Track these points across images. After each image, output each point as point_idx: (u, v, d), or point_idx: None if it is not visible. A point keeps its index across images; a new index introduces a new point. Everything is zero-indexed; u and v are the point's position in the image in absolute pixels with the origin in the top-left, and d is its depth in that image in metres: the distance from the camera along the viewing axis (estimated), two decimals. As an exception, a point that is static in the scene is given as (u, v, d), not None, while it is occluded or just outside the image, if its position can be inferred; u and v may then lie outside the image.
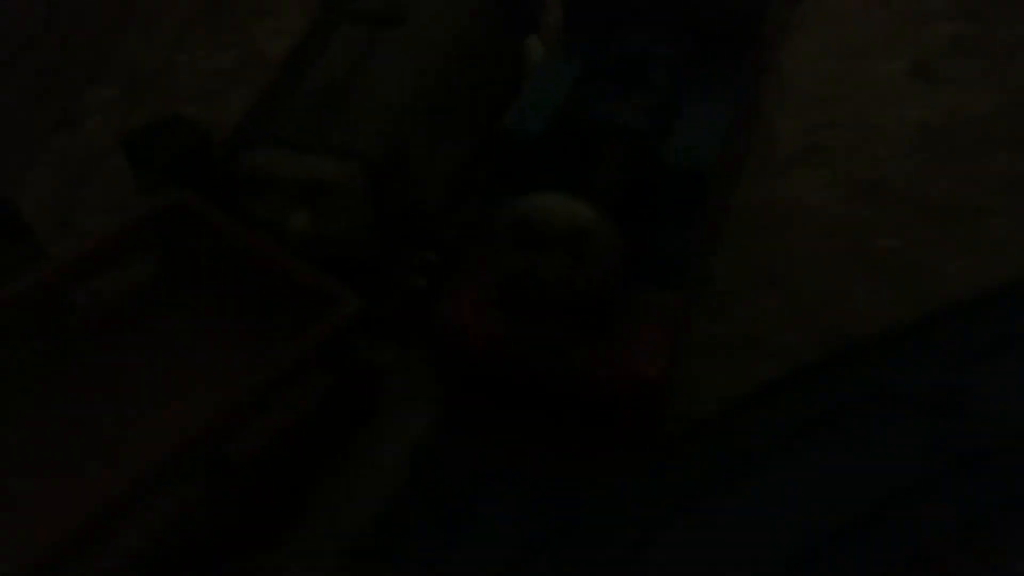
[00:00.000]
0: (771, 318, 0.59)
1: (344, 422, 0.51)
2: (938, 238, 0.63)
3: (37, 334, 0.50)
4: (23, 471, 0.46)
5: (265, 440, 0.45)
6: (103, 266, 0.50)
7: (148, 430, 0.46)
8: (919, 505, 0.48)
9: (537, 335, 0.49)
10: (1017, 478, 0.49)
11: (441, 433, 0.53)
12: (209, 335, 0.51)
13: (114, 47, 0.84)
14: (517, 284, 0.47)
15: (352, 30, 0.54)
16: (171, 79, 0.81)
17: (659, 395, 0.48)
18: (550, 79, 0.55)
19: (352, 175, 0.48)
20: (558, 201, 0.44)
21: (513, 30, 0.66)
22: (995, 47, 0.77)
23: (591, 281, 0.45)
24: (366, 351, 0.52)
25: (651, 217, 0.50)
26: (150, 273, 0.54)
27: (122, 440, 0.46)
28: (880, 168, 0.69)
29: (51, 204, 0.70)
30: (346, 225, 0.49)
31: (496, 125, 0.53)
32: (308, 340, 0.44)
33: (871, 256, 0.62)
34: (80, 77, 0.81)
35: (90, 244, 0.49)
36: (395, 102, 0.51)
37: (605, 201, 0.47)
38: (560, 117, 0.51)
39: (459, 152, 0.57)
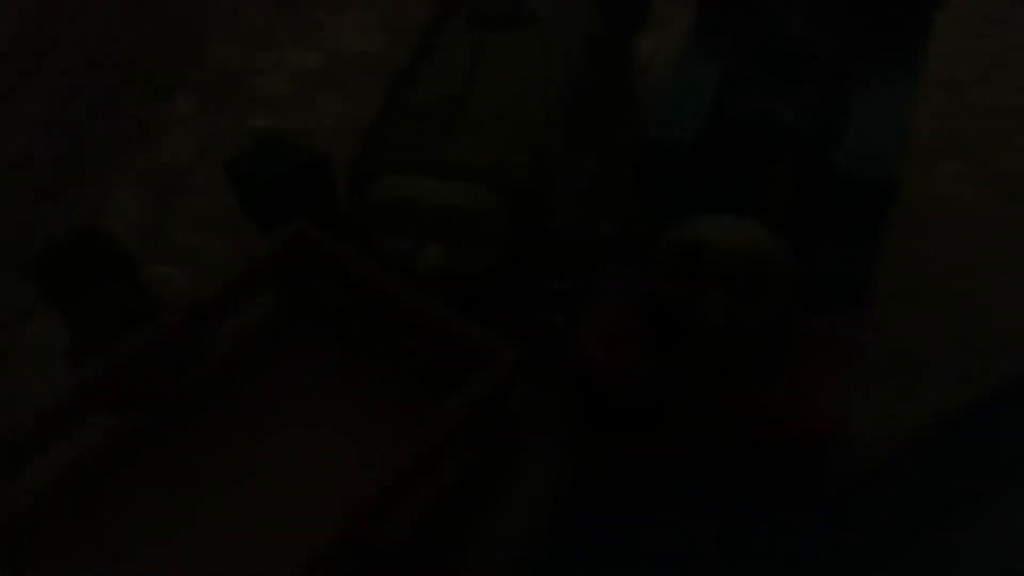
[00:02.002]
0: (933, 335, 0.54)
1: (489, 476, 0.46)
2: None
3: (159, 389, 0.46)
4: (152, 545, 0.42)
5: (416, 518, 0.40)
6: (226, 310, 0.45)
7: (291, 505, 0.41)
8: None
9: (690, 372, 0.44)
10: None
11: (581, 475, 0.48)
12: (341, 388, 0.46)
13: (190, 55, 0.80)
14: (677, 320, 0.42)
15: (473, 33, 0.49)
16: (251, 84, 0.76)
17: (836, 439, 0.43)
18: (691, 80, 0.49)
19: (496, 203, 0.43)
20: (736, 227, 0.39)
21: (622, 29, 0.60)
22: None
23: (765, 318, 0.40)
24: (515, 402, 0.47)
25: (818, 232, 0.44)
26: (265, 315, 0.49)
27: (260, 515, 0.41)
28: (1030, 160, 0.63)
29: (138, 222, 0.66)
30: (485, 258, 0.44)
31: (626, 136, 0.47)
32: (461, 403, 0.39)
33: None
34: (157, 87, 0.77)
35: (215, 288, 0.44)
36: (534, 117, 0.46)
37: (775, 221, 0.41)
38: (711, 123, 0.46)
39: (591, 170, 0.52)
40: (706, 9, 0.52)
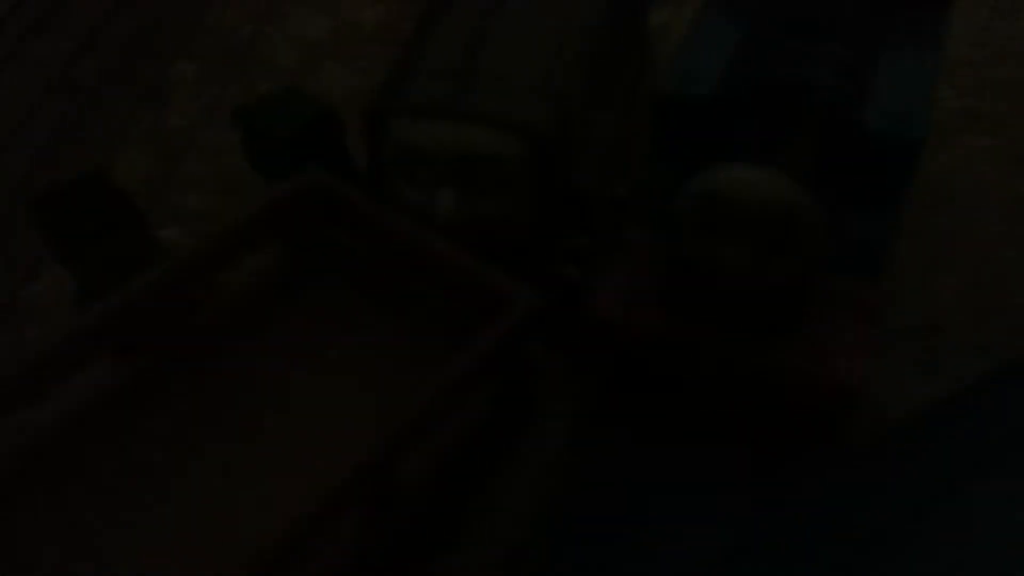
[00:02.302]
0: (952, 306, 0.53)
1: (506, 427, 0.45)
2: None
3: (164, 332, 0.45)
4: (170, 494, 0.40)
5: (435, 458, 0.39)
6: (232, 257, 0.44)
7: (311, 445, 0.40)
8: None
9: (710, 331, 0.43)
10: None
11: (597, 435, 0.47)
12: (354, 333, 0.45)
13: (199, 18, 0.79)
14: (698, 275, 0.40)
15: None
16: (259, 50, 0.75)
17: (856, 400, 0.42)
18: (711, 36, 0.48)
19: (515, 148, 0.42)
20: (759, 176, 0.37)
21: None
22: None
23: (791, 273, 0.39)
24: (535, 352, 0.45)
25: (841, 195, 0.43)
26: (276, 263, 0.48)
27: (281, 457, 0.40)
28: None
29: (145, 181, 0.65)
30: (503, 205, 0.43)
31: (641, 98, 0.46)
32: (480, 345, 0.38)
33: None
34: (166, 50, 0.76)
35: (221, 233, 0.43)
36: (555, 64, 0.45)
37: (801, 177, 0.40)
38: (731, 78, 0.45)
39: (608, 128, 0.51)
40: None
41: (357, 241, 0.45)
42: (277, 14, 0.78)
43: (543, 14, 0.48)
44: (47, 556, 0.37)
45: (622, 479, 0.44)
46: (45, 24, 0.79)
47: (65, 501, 0.39)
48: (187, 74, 0.73)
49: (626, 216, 0.49)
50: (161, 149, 0.67)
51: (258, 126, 0.48)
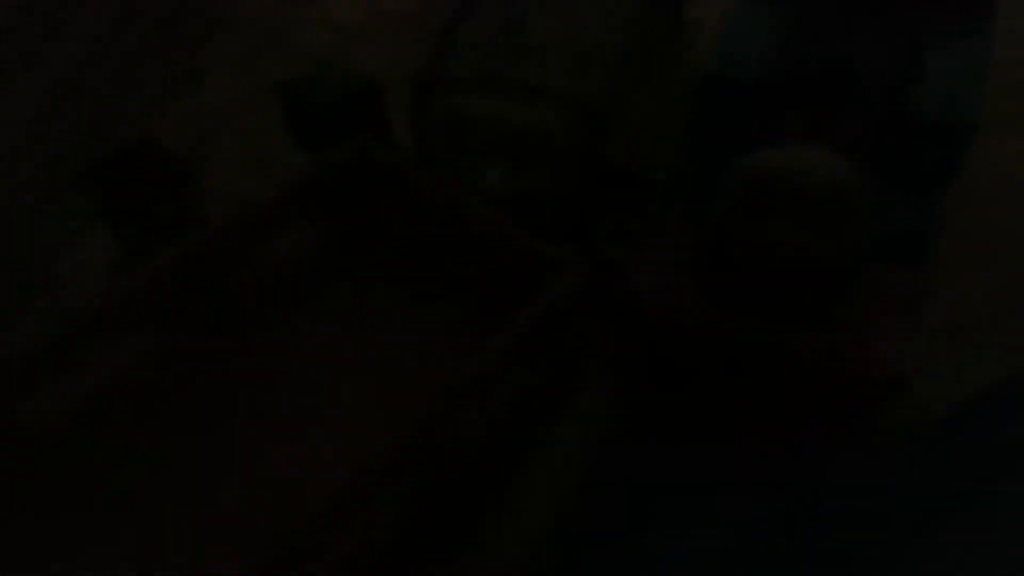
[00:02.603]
0: (989, 303, 0.53)
1: (549, 397, 0.44)
2: None
3: (205, 303, 0.45)
4: (213, 457, 0.40)
5: (484, 426, 0.39)
6: (275, 228, 0.44)
7: (359, 414, 0.40)
8: None
9: (751, 315, 0.42)
10: None
11: (631, 421, 0.47)
12: (400, 305, 0.44)
13: (233, 2, 0.79)
14: (742, 259, 0.40)
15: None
16: (293, 34, 0.76)
17: (897, 391, 0.42)
18: (754, 19, 0.48)
19: (562, 120, 0.42)
20: (813, 158, 0.37)
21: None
22: None
23: (839, 257, 0.39)
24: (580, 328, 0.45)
25: (890, 180, 0.43)
26: (321, 235, 0.48)
27: (328, 428, 0.40)
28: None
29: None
30: (549, 179, 0.43)
31: (676, 82, 0.46)
32: (531, 311, 0.37)
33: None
34: (201, 32, 0.76)
35: (264, 203, 0.43)
36: (603, 42, 0.45)
37: (851, 160, 0.40)
38: (775, 62, 0.45)
39: (648, 106, 0.51)
40: None
41: (402, 212, 0.45)
42: (310, 1, 0.78)
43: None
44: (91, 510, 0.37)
45: (622, 479, 0.44)
46: (82, 2, 0.79)
47: (105, 466, 0.39)
48: (221, 57, 0.73)
49: (665, 197, 0.49)
50: (197, 129, 0.67)
51: (301, 98, 0.48)
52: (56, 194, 0.59)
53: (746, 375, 0.45)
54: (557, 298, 0.38)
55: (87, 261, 0.54)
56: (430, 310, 0.43)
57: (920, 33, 0.45)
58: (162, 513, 0.37)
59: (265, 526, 0.35)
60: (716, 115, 0.46)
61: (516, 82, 0.42)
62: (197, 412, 0.41)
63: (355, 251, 0.47)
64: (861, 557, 0.41)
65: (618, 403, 0.47)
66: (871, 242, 0.41)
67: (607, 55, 0.45)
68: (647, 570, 0.40)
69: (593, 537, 0.42)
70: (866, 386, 0.42)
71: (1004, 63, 0.67)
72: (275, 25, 0.76)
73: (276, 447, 0.39)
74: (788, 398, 0.45)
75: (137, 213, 0.43)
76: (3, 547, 0.36)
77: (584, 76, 0.43)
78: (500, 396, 0.40)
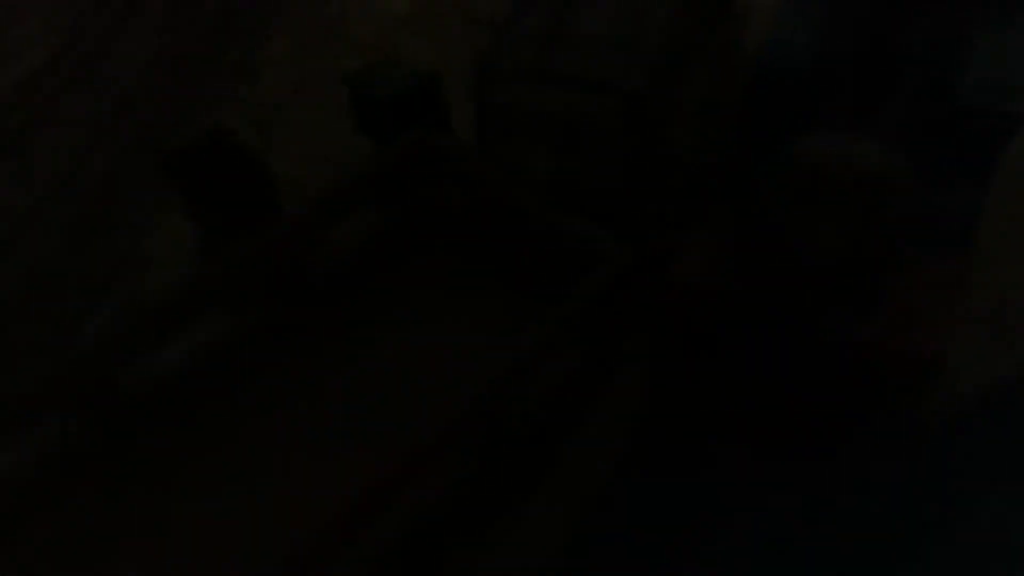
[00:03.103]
0: (1020, 293, 0.53)
1: (593, 379, 0.46)
2: None
3: (273, 296, 0.47)
4: (280, 446, 0.43)
5: (536, 406, 0.41)
6: (342, 216, 0.46)
7: (417, 396, 0.42)
8: None
9: (792, 300, 0.43)
10: None
11: (664, 407, 0.47)
12: (458, 291, 0.46)
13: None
14: (787, 246, 0.41)
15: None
16: (344, 27, 0.78)
17: (936, 375, 0.43)
18: (804, 7, 0.49)
19: (613, 112, 0.43)
20: (853, 148, 0.38)
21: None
22: None
23: (881, 246, 0.40)
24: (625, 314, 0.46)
25: (935, 165, 0.44)
26: (381, 223, 0.50)
27: (385, 409, 0.43)
28: None
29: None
30: (599, 168, 0.45)
31: (728, 71, 0.47)
32: (574, 301, 0.39)
33: None
34: (253, 28, 0.78)
35: (330, 192, 0.45)
36: (648, 29, 0.46)
37: (892, 148, 0.41)
38: (823, 49, 0.46)
39: (698, 92, 0.52)
40: None
41: (461, 200, 0.47)
42: (362, -8, 0.80)
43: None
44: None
45: (653, 472, 0.45)
46: (139, 5, 0.82)
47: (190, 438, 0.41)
48: (275, 52, 0.76)
49: (714, 184, 0.50)
50: (255, 122, 0.69)
51: (367, 89, 0.50)
52: (135, 183, 0.62)
53: (788, 363, 0.46)
54: (601, 285, 0.40)
55: (166, 244, 0.57)
56: (482, 296, 0.45)
57: (968, 18, 0.46)
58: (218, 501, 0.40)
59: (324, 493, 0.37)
60: (766, 104, 0.47)
61: (567, 73, 0.44)
62: (260, 398, 0.43)
63: (414, 239, 0.49)
64: (878, 555, 0.41)
65: (653, 388, 0.48)
66: (914, 228, 0.42)
67: (654, 44, 0.46)
68: (674, 563, 0.42)
69: (618, 531, 0.43)
70: (907, 369, 0.43)
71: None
72: (328, 17, 0.78)
73: (329, 437, 0.42)
74: (829, 386, 0.46)
75: (213, 198, 0.45)
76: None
77: (632, 66, 0.45)
78: (545, 381, 0.42)
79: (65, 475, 0.40)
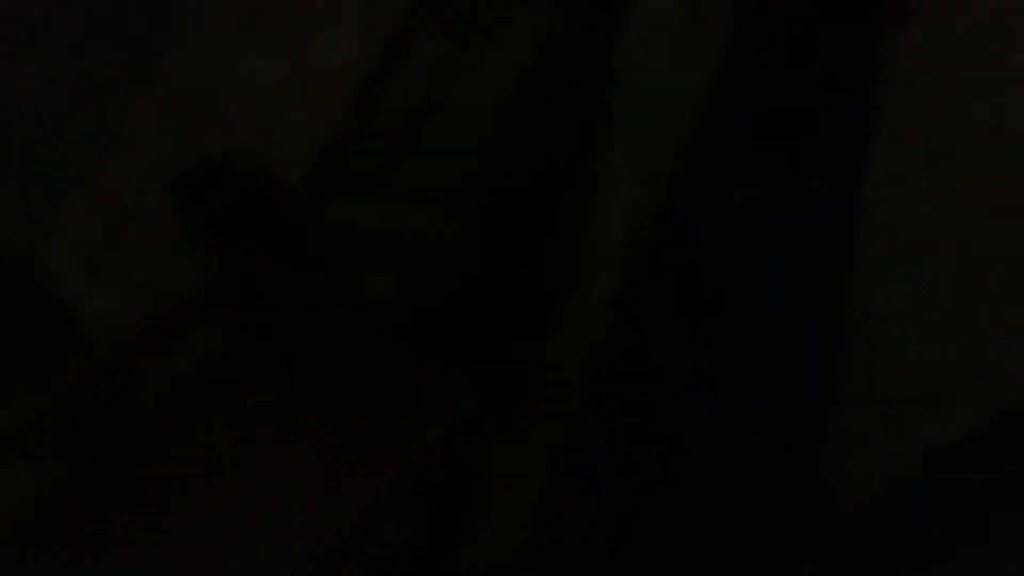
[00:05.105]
0: (922, 364, 0.51)
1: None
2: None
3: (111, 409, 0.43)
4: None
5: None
6: (167, 343, 0.42)
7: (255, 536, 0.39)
8: None
9: None
10: None
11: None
12: (288, 428, 0.42)
13: (151, 66, 0.77)
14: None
15: (433, 46, 0.46)
16: (218, 96, 0.74)
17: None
18: None
19: (441, 224, 0.40)
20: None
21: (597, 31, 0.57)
22: None
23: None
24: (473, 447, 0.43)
25: None
26: (210, 351, 0.46)
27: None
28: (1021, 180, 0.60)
29: (87, 243, 0.63)
30: (438, 281, 0.41)
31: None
32: (415, 455, 0.36)
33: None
34: (119, 94, 0.74)
35: (146, 321, 0.41)
36: (485, 134, 0.43)
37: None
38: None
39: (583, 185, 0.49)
40: None
41: (289, 330, 0.43)
42: (234, 58, 0.76)
43: (494, 66, 0.46)
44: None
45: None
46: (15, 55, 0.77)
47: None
48: (142, 121, 0.72)
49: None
50: (109, 211, 0.65)
51: (191, 200, 0.46)
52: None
53: None
54: (445, 428, 0.37)
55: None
56: (319, 437, 0.42)
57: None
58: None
59: None
60: None
61: (396, 188, 0.41)
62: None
63: (245, 370, 0.45)
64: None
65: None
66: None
67: (495, 147, 0.43)
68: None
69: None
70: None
71: (937, 95, 0.66)
72: (196, 86, 0.74)
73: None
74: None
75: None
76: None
77: (468, 173, 0.42)
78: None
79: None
